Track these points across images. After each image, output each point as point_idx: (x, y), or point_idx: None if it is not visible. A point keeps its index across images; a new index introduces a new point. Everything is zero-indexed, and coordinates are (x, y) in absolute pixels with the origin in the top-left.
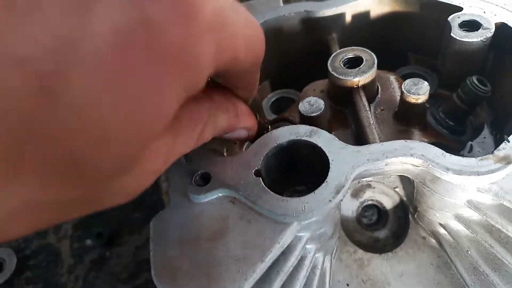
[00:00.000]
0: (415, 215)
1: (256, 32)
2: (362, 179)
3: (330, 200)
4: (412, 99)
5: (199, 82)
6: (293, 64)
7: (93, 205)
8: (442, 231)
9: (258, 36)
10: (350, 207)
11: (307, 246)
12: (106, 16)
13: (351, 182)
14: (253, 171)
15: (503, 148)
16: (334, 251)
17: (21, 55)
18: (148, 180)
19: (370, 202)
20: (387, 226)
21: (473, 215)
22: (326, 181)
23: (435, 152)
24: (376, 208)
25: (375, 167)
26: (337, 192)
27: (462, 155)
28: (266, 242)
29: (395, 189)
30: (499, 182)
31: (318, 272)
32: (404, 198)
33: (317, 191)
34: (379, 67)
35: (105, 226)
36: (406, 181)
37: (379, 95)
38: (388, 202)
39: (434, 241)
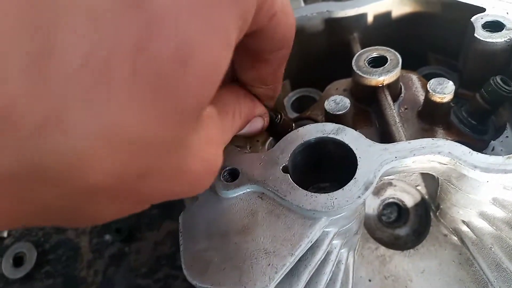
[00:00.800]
0: (437, 213)
1: (287, 4)
2: (384, 177)
3: (359, 196)
4: (438, 98)
5: (248, 18)
6: (314, 63)
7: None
8: (464, 228)
9: (288, 9)
10: (372, 205)
11: (334, 242)
12: None
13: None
14: (281, 167)
15: None
16: (357, 247)
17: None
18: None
19: (391, 200)
20: (408, 224)
21: (498, 212)
22: (355, 178)
23: (462, 150)
24: (396, 206)
25: (402, 164)
26: (366, 188)
27: (486, 154)
28: (296, 236)
29: (417, 187)
30: None
31: (342, 267)
32: (426, 196)
33: (346, 187)
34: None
35: (123, 222)
36: (428, 179)
37: (402, 94)
38: (410, 200)
39: (456, 238)
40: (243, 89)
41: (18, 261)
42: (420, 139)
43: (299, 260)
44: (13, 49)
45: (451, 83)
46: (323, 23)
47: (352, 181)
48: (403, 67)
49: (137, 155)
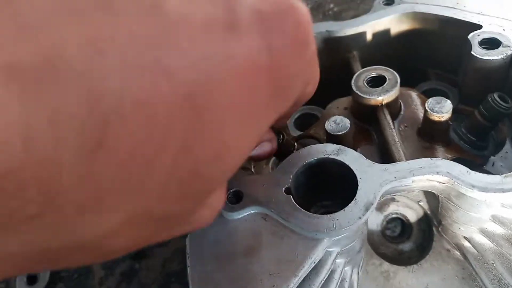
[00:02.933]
0: (440, 228)
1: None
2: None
3: (360, 217)
4: (436, 117)
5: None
6: None
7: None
8: (466, 244)
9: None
10: (375, 221)
11: (337, 261)
12: (244, 41)
13: (379, 199)
14: (284, 189)
15: None
16: (361, 264)
17: (171, 66)
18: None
19: (394, 216)
20: (412, 239)
21: (498, 229)
22: (355, 199)
23: (460, 169)
24: (400, 221)
25: (402, 184)
26: (366, 209)
27: (486, 170)
28: (299, 257)
29: (419, 203)
30: None
31: (346, 284)
32: (428, 212)
33: (347, 208)
34: (400, 84)
35: None
36: (430, 195)
37: (402, 112)
38: (413, 215)
39: (458, 253)
40: None
41: (32, 279)
42: (419, 159)
43: (303, 280)
44: (69, 137)
45: (448, 102)
46: (323, 42)
47: (353, 202)
48: (403, 84)
49: (157, 229)
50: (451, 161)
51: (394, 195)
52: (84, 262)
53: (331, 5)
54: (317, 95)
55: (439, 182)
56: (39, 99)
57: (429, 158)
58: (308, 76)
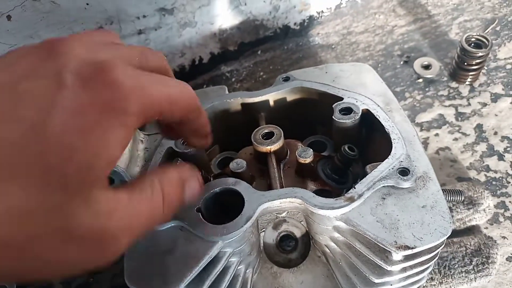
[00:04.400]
0: (312, 240)
1: (178, 93)
2: (279, 216)
3: (242, 226)
4: (302, 160)
5: (132, 127)
6: (235, 133)
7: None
8: (327, 250)
9: (180, 95)
10: (272, 236)
11: (231, 259)
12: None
13: (258, 215)
14: (195, 209)
15: (350, 192)
16: (256, 267)
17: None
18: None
19: (285, 233)
20: (297, 250)
21: (339, 236)
22: (241, 214)
23: (309, 195)
24: (290, 237)
25: (274, 205)
26: (247, 221)
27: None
28: (200, 254)
29: (301, 222)
30: (347, 214)
31: (240, 279)
32: (307, 229)
33: (235, 220)
34: (294, 136)
35: None
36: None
37: (287, 157)
38: (298, 232)
39: (324, 258)
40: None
41: None
42: (286, 188)
43: (204, 270)
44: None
45: (311, 150)
46: (240, 105)
47: (239, 216)
48: (296, 136)
49: (20, 223)
50: (304, 189)
51: (285, 217)
52: None
53: (261, 73)
54: (236, 143)
55: (298, 203)
56: None
57: (292, 188)
58: (134, 103)
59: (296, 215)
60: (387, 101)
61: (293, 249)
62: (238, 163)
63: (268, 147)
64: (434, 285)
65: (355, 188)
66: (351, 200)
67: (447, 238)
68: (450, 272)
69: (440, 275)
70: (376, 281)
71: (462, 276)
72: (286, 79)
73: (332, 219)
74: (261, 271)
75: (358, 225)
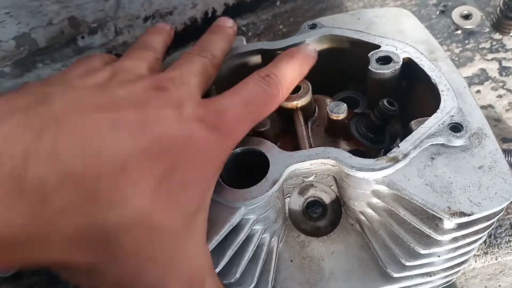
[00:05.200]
0: (344, 207)
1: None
2: (306, 180)
3: (268, 190)
4: (334, 116)
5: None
6: None
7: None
8: (362, 217)
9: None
10: (297, 202)
11: (255, 227)
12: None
13: (285, 178)
14: None
15: (394, 152)
16: (282, 235)
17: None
18: None
19: (312, 198)
20: (326, 217)
21: (378, 202)
22: (266, 177)
23: (344, 155)
24: (317, 203)
25: (303, 166)
26: (273, 184)
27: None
28: (220, 221)
29: (331, 187)
30: (390, 176)
31: (265, 248)
32: (338, 194)
33: (259, 184)
34: (322, 92)
35: None
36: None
37: (316, 114)
38: (327, 198)
39: (358, 226)
40: None
41: None
42: (317, 148)
43: (225, 239)
44: None
45: (344, 105)
46: (260, 58)
47: (264, 179)
48: (326, 91)
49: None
50: (338, 149)
51: (313, 181)
52: None
53: (281, 26)
54: None
55: (331, 165)
56: None
57: (323, 147)
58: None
59: (326, 179)
60: (431, 49)
61: (321, 216)
62: (261, 121)
63: (295, 102)
64: (478, 255)
65: (399, 146)
66: (395, 160)
67: None
68: (496, 241)
69: (485, 244)
70: (423, 252)
71: (510, 246)
72: (313, 26)
73: (371, 183)
74: (287, 239)
75: (403, 188)
